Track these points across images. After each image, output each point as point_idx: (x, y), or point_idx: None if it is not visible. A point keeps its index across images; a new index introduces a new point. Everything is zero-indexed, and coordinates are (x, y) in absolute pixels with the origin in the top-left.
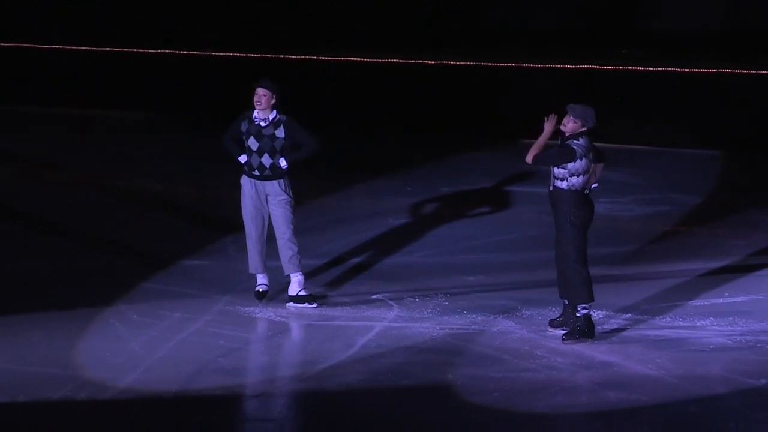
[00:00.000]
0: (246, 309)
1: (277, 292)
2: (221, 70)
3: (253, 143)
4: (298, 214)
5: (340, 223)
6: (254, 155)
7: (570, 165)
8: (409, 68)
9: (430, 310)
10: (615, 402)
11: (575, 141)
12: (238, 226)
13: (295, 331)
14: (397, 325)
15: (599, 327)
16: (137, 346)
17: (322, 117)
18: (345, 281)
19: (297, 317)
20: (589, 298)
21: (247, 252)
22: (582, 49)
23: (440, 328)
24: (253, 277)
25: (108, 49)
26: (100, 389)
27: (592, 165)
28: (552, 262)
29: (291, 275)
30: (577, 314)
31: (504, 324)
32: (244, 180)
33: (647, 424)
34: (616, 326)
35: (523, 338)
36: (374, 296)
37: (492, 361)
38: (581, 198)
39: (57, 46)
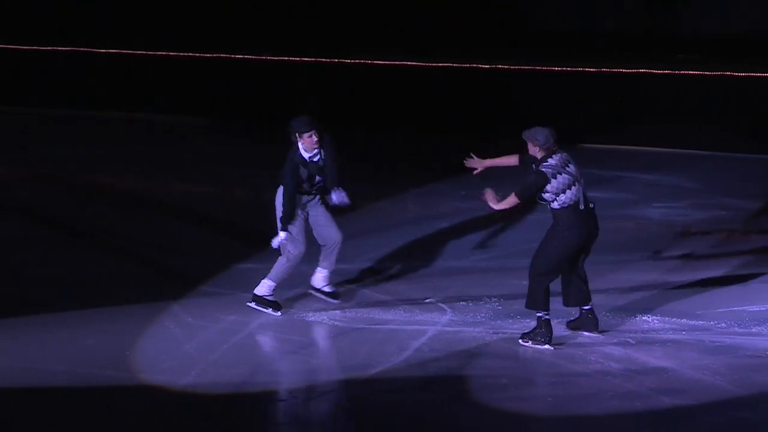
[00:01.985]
0: (299, 313)
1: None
2: (265, 73)
3: (316, 178)
4: (351, 218)
5: (392, 226)
6: (307, 182)
7: (549, 187)
8: (463, 72)
9: (483, 314)
10: (669, 408)
11: (544, 164)
12: None
13: (348, 334)
14: (450, 329)
15: (654, 333)
16: (192, 348)
17: (377, 120)
18: (397, 285)
19: (350, 321)
20: (546, 307)
21: (280, 268)
22: (636, 54)
23: (494, 333)
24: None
25: (152, 53)
26: (155, 391)
27: (576, 177)
28: (606, 266)
29: (325, 270)
30: (538, 316)
31: (558, 329)
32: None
33: (701, 431)
34: (671, 332)
35: (577, 343)
36: (427, 300)
37: (546, 366)
38: (578, 216)
39: (111, 50)
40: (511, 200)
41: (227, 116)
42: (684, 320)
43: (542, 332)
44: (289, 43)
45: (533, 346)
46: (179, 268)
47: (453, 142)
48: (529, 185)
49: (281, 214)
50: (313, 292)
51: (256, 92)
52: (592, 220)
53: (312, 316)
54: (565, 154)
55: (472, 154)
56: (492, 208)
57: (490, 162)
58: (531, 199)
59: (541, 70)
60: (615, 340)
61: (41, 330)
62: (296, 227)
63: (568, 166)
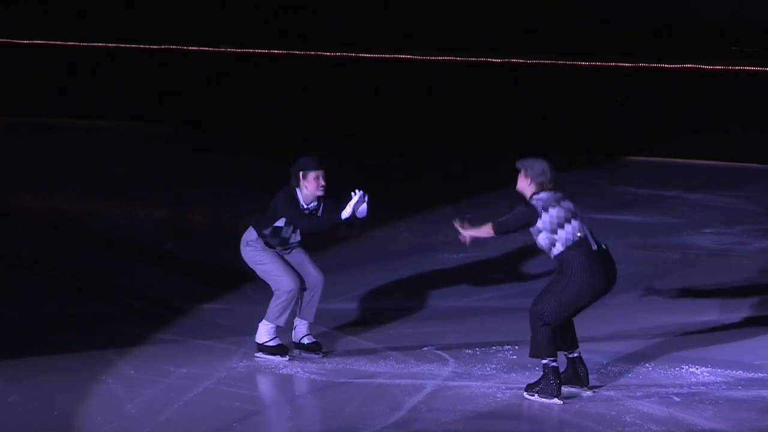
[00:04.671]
0: (268, 363)
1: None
2: (240, 69)
3: (296, 233)
4: (334, 248)
5: (384, 258)
6: (287, 241)
7: (540, 224)
8: (469, 68)
9: (493, 365)
10: None
11: (535, 197)
12: None
13: (328, 390)
14: (453, 383)
15: (704, 388)
16: (134, 408)
17: (361, 129)
18: (388, 329)
19: (330, 374)
20: (553, 353)
21: (273, 305)
22: (684, 47)
23: (506, 388)
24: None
25: (95, 44)
26: None
27: (574, 212)
28: (645, 306)
29: (305, 321)
30: (543, 363)
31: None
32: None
33: None
34: (724, 386)
35: (608, 400)
36: (425, 348)
37: (571, 429)
38: (593, 258)
39: (39, 42)
40: (485, 230)
41: (189, 123)
42: (740, 372)
43: (550, 383)
44: (254, 32)
45: (540, 399)
46: (120, 310)
47: (457, 153)
48: (513, 217)
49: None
50: (294, 347)
51: (222, 92)
52: (610, 265)
53: (283, 369)
54: (560, 193)
55: (457, 224)
56: (462, 236)
57: (474, 232)
58: (510, 235)
59: (565, 65)
60: (655, 397)
61: None
62: (276, 261)
63: (563, 201)
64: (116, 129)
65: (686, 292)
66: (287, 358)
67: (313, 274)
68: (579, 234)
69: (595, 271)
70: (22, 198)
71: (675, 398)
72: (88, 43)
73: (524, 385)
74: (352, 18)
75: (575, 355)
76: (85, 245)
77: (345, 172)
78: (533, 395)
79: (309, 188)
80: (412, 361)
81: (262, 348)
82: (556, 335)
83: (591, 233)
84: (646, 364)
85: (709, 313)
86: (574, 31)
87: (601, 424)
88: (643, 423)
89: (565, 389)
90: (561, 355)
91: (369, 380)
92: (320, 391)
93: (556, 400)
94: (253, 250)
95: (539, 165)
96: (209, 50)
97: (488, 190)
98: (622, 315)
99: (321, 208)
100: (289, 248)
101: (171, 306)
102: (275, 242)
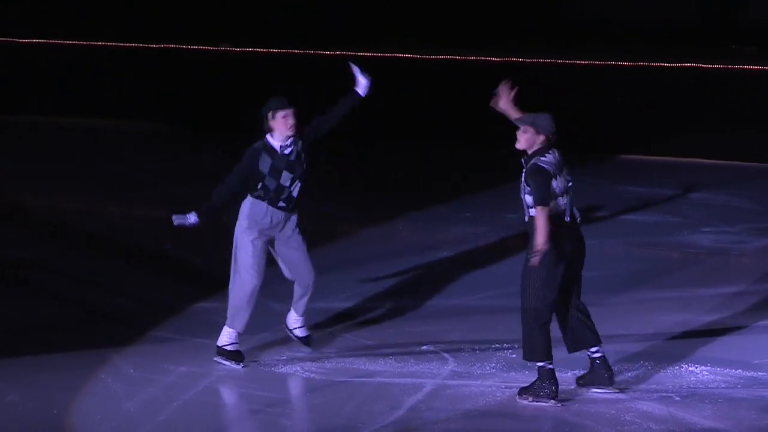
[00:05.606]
0: (268, 362)
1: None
2: (240, 69)
3: (286, 178)
4: (333, 248)
5: (381, 257)
6: (285, 190)
7: None
8: (468, 67)
9: (493, 364)
10: None
11: (541, 158)
12: None
13: (328, 389)
14: (452, 382)
15: (703, 387)
16: (134, 407)
17: (359, 127)
18: (387, 328)
19: (329, 373)
20: (545, 357)
21: (232, 306)
22: (683, 46)
23: (506, 387)
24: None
25: (95, 43)
26: None
27: (568, 185)
28: (645, 305)
29: (297, 315)
30: (538, 366)
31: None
32: (257, 211)
33: None
34: (724, 385)
35: (608, 399)
36: (424, 347)
37: (571, 429)
38: (561, 227)
39: (38, 41)
40: (542, 215)
41: (188, 122)
42: (739, 371)
43: (545, 386)
44: (254, 32)
45: (534, 403)
46: (119, 310)
47: (456, 153)
48: (541, 187)
49: (210, 201)
50: (287, 331)
51: (221, 92)
52: (575, 231)
53: (283, 367)
54: (560, 157)
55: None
56: (543, 248)
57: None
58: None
59: (564, 64)
60: (655, 396)
61: None
62: (252, 254)
63: (563, 172)
64: (115, 128)
65: (686, 291)
66: (241, 365)
67: (305, 274)
68: (561, 209)
69: (562, 239)
70: (22, 198)
71: (675, 397)
72: (87, 42)
73: (523, 385)
74: (352, 18)
75: (598, 354)
76: (85, 245)
77: (344, 172)
78: (527, 398)
79: (279, 129)
80: (412, 360)
81: (221, 351)
82: (549, 336)
83: (571, 205)
84: (646, 363)
85: (709, 312)
86: (574, 31)
87: (599, 422)
88: (643, 422)
89: (580, 390)
90: (582, 354)
91: (368, 379)
92: (319, 390)
93: (551, 403)
94: (240, 229)
95: (545, 118)
96: (209, 49)
97: (487, 190)
98: (621, 314)
99: (298, 153)
100: (281, 213)
101: (170, 305)
102: (272, 197)
